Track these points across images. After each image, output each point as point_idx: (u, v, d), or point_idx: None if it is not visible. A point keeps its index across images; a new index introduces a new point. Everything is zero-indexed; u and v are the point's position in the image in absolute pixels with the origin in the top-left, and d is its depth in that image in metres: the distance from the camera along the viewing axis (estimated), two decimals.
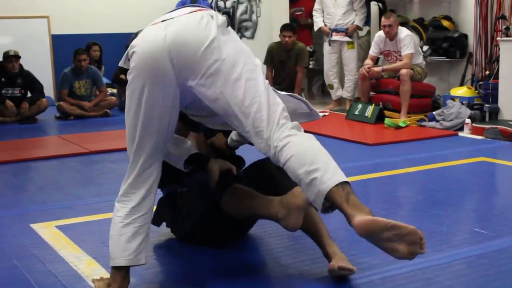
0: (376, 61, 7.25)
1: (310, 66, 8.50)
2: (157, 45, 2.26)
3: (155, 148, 2.34)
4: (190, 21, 2.31)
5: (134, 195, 2.34)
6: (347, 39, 7.72)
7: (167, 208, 2.95)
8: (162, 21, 2.35)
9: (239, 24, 9.50)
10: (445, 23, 7.26)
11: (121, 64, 2.40)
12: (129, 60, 2.33)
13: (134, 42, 2.33)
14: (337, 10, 7.73)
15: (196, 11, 2.37)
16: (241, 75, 2.27)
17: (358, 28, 7.70)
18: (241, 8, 9.46)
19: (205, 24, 2.29)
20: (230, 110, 2.26)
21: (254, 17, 9.21)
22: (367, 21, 8.05)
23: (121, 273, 2.37)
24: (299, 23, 8.27)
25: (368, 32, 8.33)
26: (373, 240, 2.11)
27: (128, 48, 2.36)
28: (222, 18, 2.37)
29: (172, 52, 2.25)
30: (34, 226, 3.25)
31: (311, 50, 8.53)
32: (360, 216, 2.09)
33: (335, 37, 7.76)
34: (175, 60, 2.25)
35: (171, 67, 2.25)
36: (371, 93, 7.05)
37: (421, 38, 7.39)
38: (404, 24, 7.22)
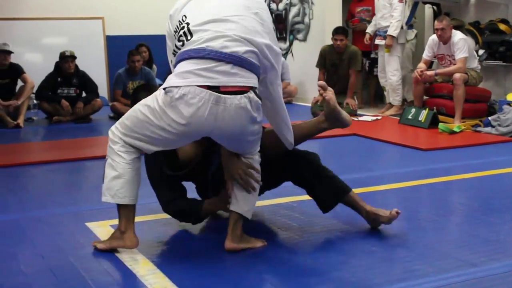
0: (429, 64, 7.14)
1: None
2: (207, 127, 2.61)
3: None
4: (239, 113, 2.60)
5: (134, 149, 2.78)
6: (383, 42, 7.68)
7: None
8: (210, 87, 2.55)
9: (292, 26, 9.51)
10: (502, 26, 7.11)
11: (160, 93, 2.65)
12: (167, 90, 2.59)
13: (179, 102, 2.56)
14: (377, 13, 7.74)
15: (244, 89, 2.61)
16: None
17: (391, 37, 7.55)
18: (293, 11, 9.45)
19: (248, 121, 2.66)
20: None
21: (306, 19, 9.17)
22: (410, 24, 7.87)
23: (132, 213, 2.86)
24: (355, 29, 8.20)
25: (416, 36, 8.19)
26: None
27: (174, 82, 2.58)
28: (256, 101, 2.67)
29: (222, 138, 2.72)
30: (90, 224, 3.30)
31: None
32: None
33: (377, 41, 7.76)
34: (218, 139, 2.75)
35: (206, 135, 2.70)
36: (425, 97, 6.95)
37: (476, 42, 7.25)
38: (460, 27, 7.10)
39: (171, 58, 2.85)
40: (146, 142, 2.75)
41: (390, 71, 7.70)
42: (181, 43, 2.67)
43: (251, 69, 2.64)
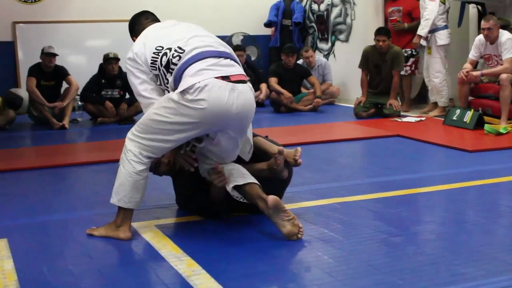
0: (475, 65, 7.03)
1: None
2: (226, 111, 2.99)
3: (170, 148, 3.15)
4: (250, 105, 3.11)
5: (149, 160, 3.11)
6: (424, 43, 7.64)
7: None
8: (223, 77, 3.01)
9: (333, 27, 9.48)
10: None
11: (176, 98, 3.00)
12: (184, 92, 2.96)
13: (203, 91, 2.93)
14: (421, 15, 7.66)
15: (244, 78, 3.12)
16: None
17: (419, 36, 7.49)
18: (335, 11, 9.42)
19: (254, 103, 3.17)
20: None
21: (348, 20, 9.13)
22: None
23: (130, 213, 3.15)
24: (394, 28, 8.11)
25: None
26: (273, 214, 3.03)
27: (191, 81, 2.94)
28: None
29: (235, 120, 3.05)
30: (135, 224, 3.33)
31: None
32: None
33: (422, 41, 7.68)
34: (231, 123, 3.06)
35: (225, 126, 3.07)
36: (470, 98, 6.84)
37: None
38: (505, 27, 6.95)
39: (144, 87, 3.19)
40: (159, 142, 3.07)
41: (433, 73, 7.62)
42: (176, 58, 3.06)
43: (238, 64, 3.21)
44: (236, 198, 3.19)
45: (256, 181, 3.17)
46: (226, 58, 3.12)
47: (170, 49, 3.09)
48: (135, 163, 3.09)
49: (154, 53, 3.12)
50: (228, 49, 3.24)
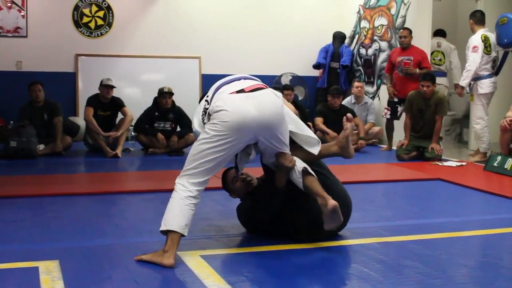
0: None
1: None
2: (247, 121, 3.26)
3: (214, 169, 3.37)
4: (271, 103, 3.35)
5: (196, 188, 3.35)
6: (467, 91, 7.73)
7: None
8: (240, 91, 3.34)
9: (380, 71, 9.57)
10: None
11: (199, 117, 3.51)
12: (209, 114, 3.35)
13: (221, 106, 3.27)
14: None
15: (260, 87, 3.41)
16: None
17: (461, 87, 7.63)
18: (382, 56, 9.54)
19: (276, 100, 3.39)
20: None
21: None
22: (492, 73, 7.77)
23: (177, 238, 3.27)
24: (406, 72, 8.26)
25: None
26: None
27: (212, 106, 3.32)
28: (280, 95, 3.46)
29: (258, 128, 3.29)
30: (180, 253, 3.40)
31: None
32: None
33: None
34: (258, 132, 3.31)
35: (252, 134, 3.32)
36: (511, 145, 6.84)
37: None
38: None
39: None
40: (202, 165, 3.32)
41: (474, 119, 7.75)
42: (206, 103, 3.46)
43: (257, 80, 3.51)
44: (295, 180, 3.50)
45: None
46: (245, 79, 3.48)
47: (205, 102, 3.51)
48: (181, 191, 3.35)
49: (202, 114, 3.53)
50: (248, 77, 3.55)
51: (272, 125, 3.36)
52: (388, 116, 8.52)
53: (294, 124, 3.63)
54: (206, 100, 3.48)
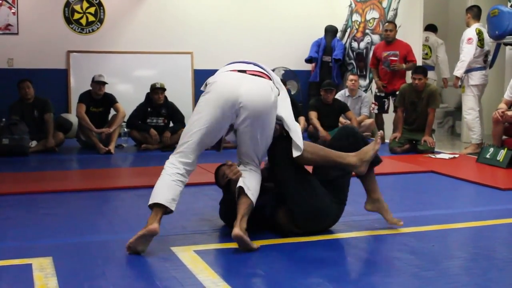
0: (510, 105, 7.07)
1: None
2: (232, 90, 3.35)
3: (201, 142, 3.43)
4: (260, 85, 3.42)
5: (184, 166, 3.43)
6: (459, 82, 7.81)
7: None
8: (239, 70, 3.44)
9: None
10: None
11: (202, 88, 3.56)
12: (206, 85, 3.48)
13: (215, 78, 3.44)
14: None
15: (262, 76, 3.48)
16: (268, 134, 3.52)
17: (456, 77, 7.71)
18: None
19: (269, 92, 3.43)
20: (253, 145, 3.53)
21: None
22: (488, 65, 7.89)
23: (161, 212, 3.32)
24: (393, 69, 8.34)
25: None
26: None
27: (210, 79, 3.47)
28: (276, 92, 3.51)
29: (240, 101, 3.34)
30: (174, 249, 3.41)
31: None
32: None
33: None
34: (237, 106, 3.35)
35: (233, 108, 3.36)
36: (504, 137, 6.87)
37: None
38: None
39: None
40: (188, 138, 3.42)
41: (465, 110, 7.86)
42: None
43: (266, 72, 3.56)
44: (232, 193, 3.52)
45: (252, 201, 3.46)
46: (249, 63, 3.56)
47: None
48: (170, 169, 3.46)
49: None
50: (257, 64, 3.61)
51: (254, 110, 3.39)
52: (376, 111, 8.58)
53: (287, 122, 3.61)
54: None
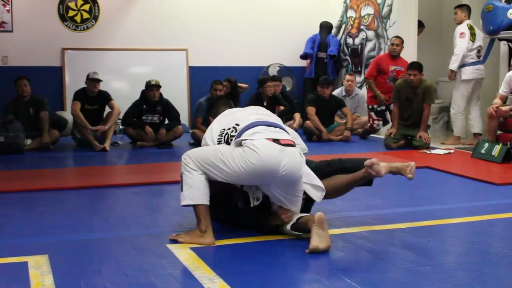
0: (505, 100, 7.09)
1: None
2: (272, 172, 3.39)
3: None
4: (298, 165, 3.49)
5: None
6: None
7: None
8: (273, 139, 3.47)
9: (367, 60, 9.58)
10: None
11: (233, 142, 3.54)
12: (241, 144, 3.46)
13: (256, 146, 3.39)
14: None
15: (293, 144, 3.57)
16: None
17: (451, 71, 7.89)
18: (369, 45, 9.56)
19: (302, 169, 3.53)
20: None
21: (381, 54, 9.23)
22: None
23: (208, 213, 3.46)
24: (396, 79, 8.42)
25: None
26: None
27: (247, 139, 3.45)
28: (304, 158, 3.65)
29: (277, 180, 3.43)
30: (170, 246, 3.42)
31: None
32: None
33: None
34: (275, 183, 3.45)
35: (269, 183, 3.46)
36: (499, 132, 6.88)
37: None
38: None
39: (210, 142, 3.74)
40: (212, 172, 3.46)
41: (452, 103, 8.13)
42: (233, 131, 3.60)
43: (288, 133, 3.69)
44: (295, 233, 3.56)
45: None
46: (275, 127, 3.62)
47: (229, 128, 3.65)
48: (195, 171, 3.49)
49: (219, 135, 3.69)
50: (279, 121, 3.76)
51: (292, 183, 3.50)
52: (382, 126, 8.62)
53: (306, 176, 3.70)
54: (234, 128, 3.62)
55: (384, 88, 8.61)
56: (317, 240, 3.29)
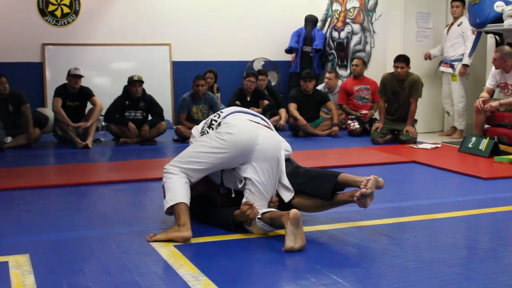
0: (492, 93, 7.09)
1: None
2: (249, 142, 3.55)
3: (207, 171, 3.66)
4: (275, 141, 3.69)
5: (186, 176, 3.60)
6: (450, 71, 8.06)
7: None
8: (252, 120, 3.72)
9: (353, 54, 9.56)
10: None
11: (215, 127, 3.72)
12: (219, 124, 3.69)
13: (232, 122, 3.63)
14: (447, 42, 8.12)
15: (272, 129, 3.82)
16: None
17: (465, 66, 7.94)
18: (355, 39, 9.53)
19: (280, 149, 3.69)
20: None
21: (368, 48, 9.22)
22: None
23: (187, 209, 3.48)
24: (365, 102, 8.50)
25: None
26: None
27: (225, 120, 3.68)
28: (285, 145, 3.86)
29: (255, 151, 3.55)
30: (154, 244, 3.39)
31: None
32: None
33: (442, 68, 8.21)
34: (253, 155, 3.56)
35: (248, 157, 3.56)
36: (486, 126, 6.88)
37: None
38: None
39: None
40: (195, 165, 3.59)
41: (457, 98, 8.07)
42: (216, 116, 3.80)
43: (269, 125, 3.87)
44: (263, 227, 3.49)
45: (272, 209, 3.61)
46: (257, 117, 3.84)
47: (214, 115, 3.84)
48: (175, 175, 3.59)
49: (203, 123, 3.90)
50: (266, 121, 3.91)
51: (269, 158, 3.59)
52: (358, 125, 8.44)
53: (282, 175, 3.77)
54: (218, 114, 3.81)
55: (359, 107, 8.70)
56: (291, 240, 3.24)
